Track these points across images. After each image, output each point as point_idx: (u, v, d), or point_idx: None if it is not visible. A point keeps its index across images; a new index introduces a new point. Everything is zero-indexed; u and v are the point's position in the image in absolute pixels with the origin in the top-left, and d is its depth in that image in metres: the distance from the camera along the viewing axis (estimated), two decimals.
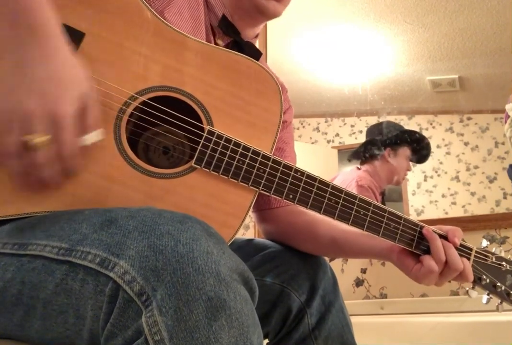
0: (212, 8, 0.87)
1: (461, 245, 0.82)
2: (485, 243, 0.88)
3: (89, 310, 0.52)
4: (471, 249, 0.84)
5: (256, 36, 0.96)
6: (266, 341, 0.90)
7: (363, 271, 2.52)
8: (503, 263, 0.86)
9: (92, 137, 0.61)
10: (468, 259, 0.82)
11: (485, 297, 0.85)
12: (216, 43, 0.88)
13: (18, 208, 0.63)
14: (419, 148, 2.40)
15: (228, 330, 0.48)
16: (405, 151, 2.36)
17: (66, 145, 0.57)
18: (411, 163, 2.45)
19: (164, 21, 0.73)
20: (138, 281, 0.49)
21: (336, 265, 2.53)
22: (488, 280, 0.84)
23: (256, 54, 0.88)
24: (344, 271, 2.54)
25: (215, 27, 0.88)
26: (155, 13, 0.73)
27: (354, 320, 0.94)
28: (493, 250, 0.87)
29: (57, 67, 0.55)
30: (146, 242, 0.51)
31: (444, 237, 0.81)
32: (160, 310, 0.47)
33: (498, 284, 0.84)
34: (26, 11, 0.55)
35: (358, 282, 2.51)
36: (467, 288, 0.85)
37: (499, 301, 0.86)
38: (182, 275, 0.48)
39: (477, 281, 0.84)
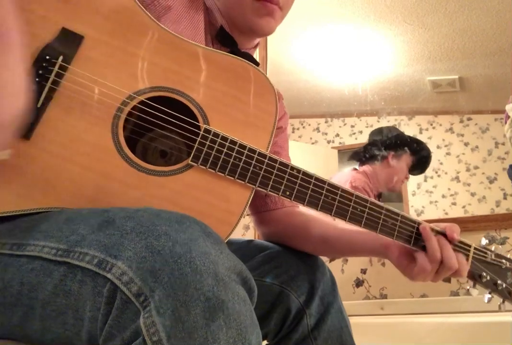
0: (212, 19, 0.88)
1: (460, 241, 0.82)
2: (484, 241, 0.87)
3: (88, 311, 0.52)
4: (469, 246, 0.83)
5: (255, 46, 0.96)
6: (265, 342, 0.90)
7: (363, 271, 2.52)
8: (503, 260, 0.85)
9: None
10: (467, 255, 0.82)
11: (486, 296, 0.84)
12: None
13: (16, 205, 0.64)
14: (422, 159, 2.36)
15: (226, 331, 0.48)
16: (407, 159, 2.34)
17: None
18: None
19: (162, 25, 0.74)
20: (136, 282, 0.48)
21: (336, 265, 2.53)
22: (488, 278, 0.83)
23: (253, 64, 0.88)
24: (344, 271, 2.54)
25: (213, 37, 0.88)
26: (153, 18, 0.74)
27: (354, 320, 0.93)
28: (492, 248, 0.86)
29: None
30: (144, 243, 0.51)
31: (441, 233, 0.81)
32: (158, 310, 0.47)
33: (499, 282, 0.83)
34: None
35: (358, 283, 2.51)
36: (468, 287, 0.84)
37: (501, 300, 0.85)
38: (179, 275, 0.48)
39: (477, 278, 0.83)
